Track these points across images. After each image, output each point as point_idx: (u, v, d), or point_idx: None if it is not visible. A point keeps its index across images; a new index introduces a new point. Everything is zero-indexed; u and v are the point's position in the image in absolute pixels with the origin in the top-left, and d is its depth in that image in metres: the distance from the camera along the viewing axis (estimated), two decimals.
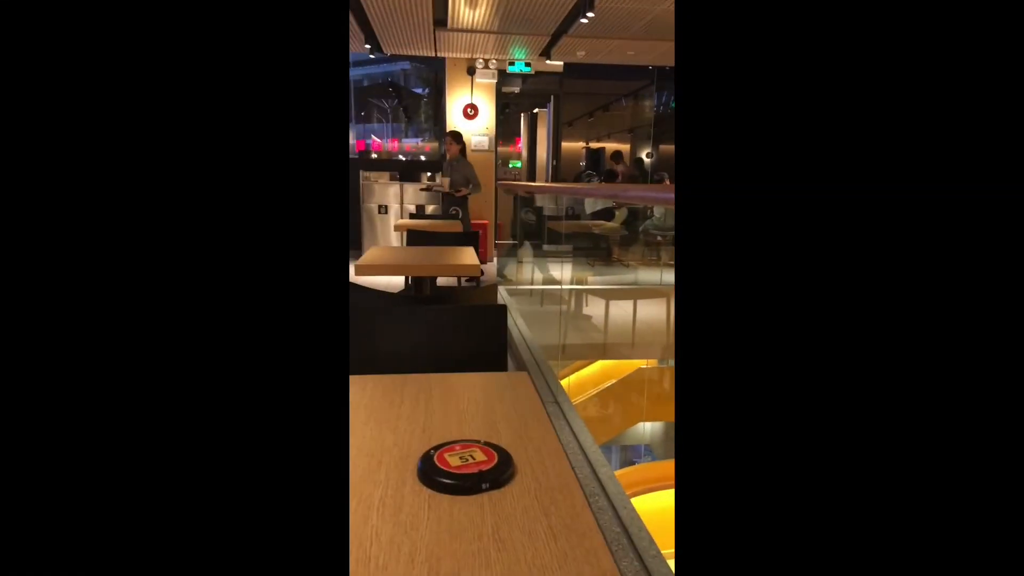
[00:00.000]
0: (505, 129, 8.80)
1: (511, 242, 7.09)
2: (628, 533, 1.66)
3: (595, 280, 5.90)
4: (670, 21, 5.05)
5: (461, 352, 1.35)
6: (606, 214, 6.61)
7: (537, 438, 0.76)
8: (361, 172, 6.91)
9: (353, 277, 2.05)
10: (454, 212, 5.26)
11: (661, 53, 6.39)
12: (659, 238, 6.20)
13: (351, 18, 5.30)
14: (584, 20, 4.90)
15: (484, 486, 0.63)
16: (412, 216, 5.70)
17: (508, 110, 8.98)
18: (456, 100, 7.03)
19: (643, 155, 11.95)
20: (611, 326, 4.16)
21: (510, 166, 9.30)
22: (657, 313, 4.30)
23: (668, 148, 11.41)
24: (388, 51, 6.69)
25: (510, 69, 6.90)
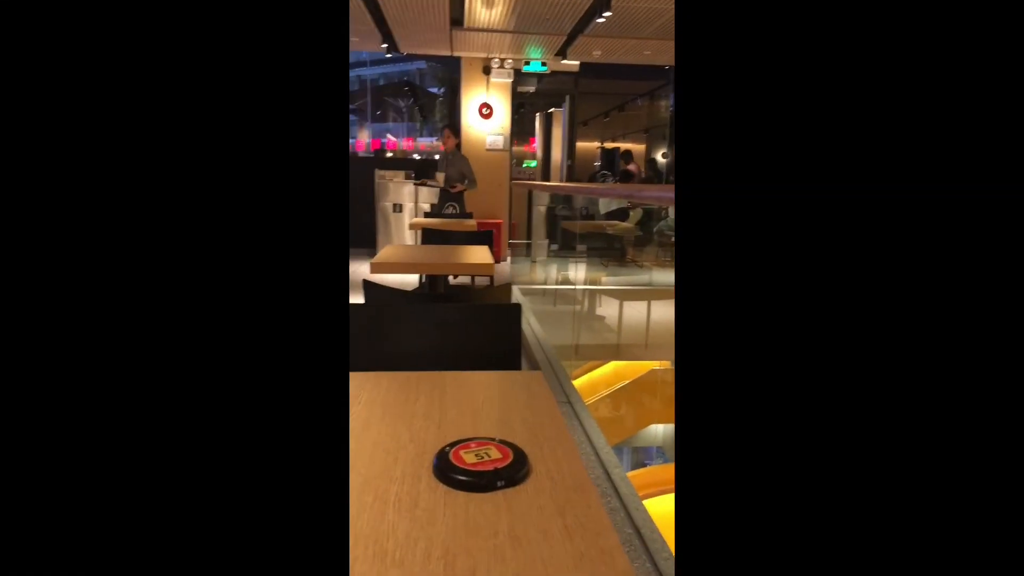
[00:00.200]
0: (520, 129, 8.81)
1: (527, 241, 7.09)
2: (640, 535, 1.65)
3: (608, 280, 5.89)
4: None
5: (475, 350, 1.35)
6: (620, 214, 6.59)
7: (552, 437, 0.76)
8: (376, 171, 6.94)
9: (368, 275, 2.07)
10: (450, 208, 5.23)
11: None
12: (673, 239, 6.17)
13: (368, 18, 5.33)
14: (601, 20, 4.89)
15: (499, 484, 0.63)
16: (427, 215, 5.71)
17: (523, 110, 8.99)
18: (471, 99, 7.04)
19: (659, 155, 11.91)
20: (624, 327, 4.15)
21: (524, 165, 9.31)
22: (671, 315, 4.28)
23: None
24: (404, 50, 6.72)
25: (525, 69, 6.90)
